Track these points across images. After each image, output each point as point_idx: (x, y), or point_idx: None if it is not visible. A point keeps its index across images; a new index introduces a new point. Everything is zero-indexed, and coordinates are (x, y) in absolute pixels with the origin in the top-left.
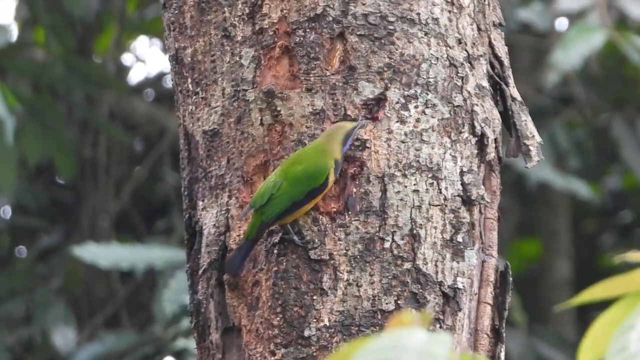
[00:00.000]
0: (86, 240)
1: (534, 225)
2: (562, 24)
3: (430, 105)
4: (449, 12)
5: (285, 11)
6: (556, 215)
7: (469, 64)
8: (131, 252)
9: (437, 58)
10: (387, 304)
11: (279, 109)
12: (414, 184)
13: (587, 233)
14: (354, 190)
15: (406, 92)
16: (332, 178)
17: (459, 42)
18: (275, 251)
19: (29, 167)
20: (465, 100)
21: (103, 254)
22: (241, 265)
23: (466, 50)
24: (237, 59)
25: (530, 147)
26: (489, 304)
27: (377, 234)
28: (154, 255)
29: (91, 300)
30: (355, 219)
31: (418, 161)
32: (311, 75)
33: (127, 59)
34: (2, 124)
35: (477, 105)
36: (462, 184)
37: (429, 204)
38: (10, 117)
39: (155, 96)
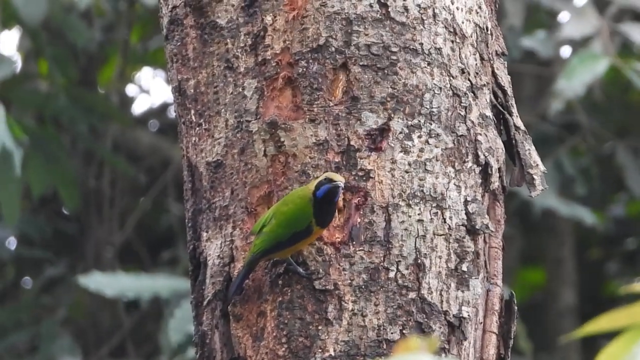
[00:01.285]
0: (91, 270)
1: (539, 253)
2: (565, 51)
3: (433, 135)
4: (452, 42)
5: (287, 42)
6: (561, 243)
7: (472, 94)
8: (136, 281)
9: (441, 88)
10: (392, 333)
11: (282, 139)
12: (418, 214)
13: (592, 261)
14: (358, 220)
15: (410, 122)
16: (315, 228)
17: (462, 71)
18: (280, 282)
19: (33, 199)
20: (468, 129)
21: (108, 283)
22: (236, 291)
23: (469, 80)
24: (240, 90)
25: (534, 176)
26: (494, 332)
27: (382, 263)
28: (159, 285)
29: (97, 331)
30: (360, 249)
31: (422, 191)
32: (314, 105)
33: (130, 90)
34: (9, 156)
35: (480, 134)
36: (467, 213)
37: (434, 234)
38: (17, 148)
39: (159, 127)
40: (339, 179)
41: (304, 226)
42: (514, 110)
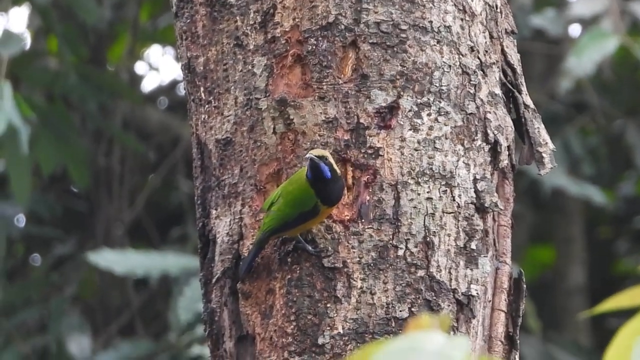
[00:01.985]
0: (100, 248)
1: (548, 231)
2: (575, 30)
3: (443, 113)
4: (461, 20)
5: (297, 20)
6: (570, 222)
7: (482, 72)
8: (146, 259)
9: (450, 66)
10: (400, 311)
11: (291, 117)
12: (427, 192)
13: (602, 239)
14: (367, 198)
15: (419, 100)
16: (322, 208)
17: (472, 49)
18: (289, 259)
19: (43, 177)
20: (478, 107)
21: (118, 260)
22: (247, 269)
23: (479, 58)
24: (250, 67)
25: (544, 154)
26: (503, 311)
27: (391, 241)
28: (168, 263)
29: (106, 309)
30: (369, 226)
31: (431, 169)
32: (324, 83)
33: (140, 67)
34: (17, 134)
35: (490, 112)
36: (476, 191)
37: (443, 212)
38: (24, 126)
39: (168, 105)
40: (316, 153)
41: (310, 206)
42: (524, 88)
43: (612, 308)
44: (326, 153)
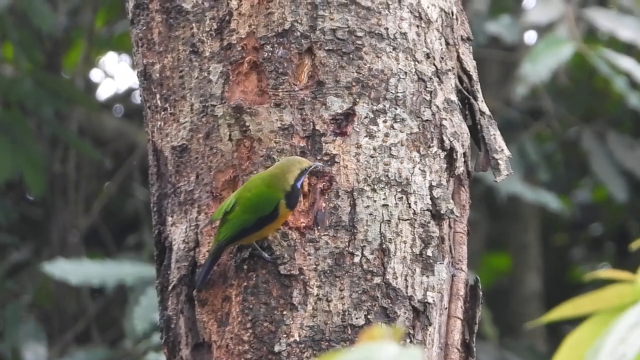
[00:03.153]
0: (56, 256)
1: (504, 238)
2: (530, 37)
3: (399, 120)
4: (417, 26)
5: (253, 27)
6: (526, 229)
7: (438, 79)
8: (101, 268)
9: (406, 73)
10: (357, 318)
11: (247, 124)
12: (383, 199)
13: (557, 246)
14: (323, 205)
15: (375, 107)
16: (282, 210)
17: (427, 56)
18: (245, 267)
19: None
20: (434, 114)
21: (73, 270)
22: (204, 280)
23: (434, 65)
24: (206, 74)
25: (499, 161)
26: (459, 318)
27: (347, 248)
28: (124, 271)
29: (62, 316)
30: (325, 233)
31: (387, 175)
32: (280, 90)
33: (96, 74)
34: None
35: (445, 119)
36: (432, 198)
37: (399, 219)
38: None
39: (124, 112)
40: (308, 163)
41: (269, 210)
42: (479, 95)
43: (564, 315)
44: (308, 162)
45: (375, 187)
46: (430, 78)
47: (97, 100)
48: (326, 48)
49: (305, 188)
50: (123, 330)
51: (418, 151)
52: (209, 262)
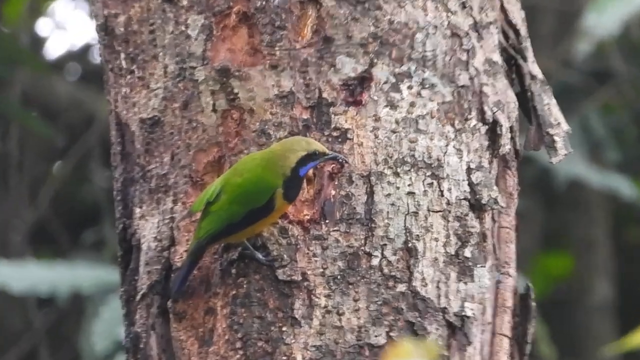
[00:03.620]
0: None
1: (564, 234)
2: None
3: (427, 86)
4: None
5: None
6: (592, 222)
7: (476, 33)
8: (51, 271)
9: (436, 26)
10: (376, 336)
11: (236, 91)
12: (409, 185)
13: (633, 244)
14: (333, 192)
15: (397, 70)
16: (279, 202)
17: (463, 6)
18: (234, 271)
19: None
20: (472, 78)
21: (15, 275)
22: (180, 288)
23: (472, 17)
24: (183, 28)
25: (555, 137)
26: (506, 335)
27: (363, 247)
28: (80, 276)
29: (3, 333)
30: (335, 229)
31: (413, 156)
32: (276, 48)
33: (44, 27)
34: None
35: (487, 85)
36: (470, 184)
37: (428, 210)
38: None
39: (80, 75)
40: (325, 149)
41: (263, 201)
42: (530, 54)
43: None
44: (325, 149)
45: (399, 170)
46: (467, 33)
47: (45, 60)
48: None
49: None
50: (78, 351)
51: (452, 125)
52: (186, 265)
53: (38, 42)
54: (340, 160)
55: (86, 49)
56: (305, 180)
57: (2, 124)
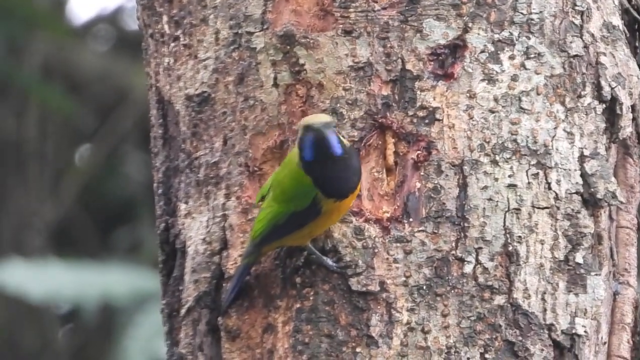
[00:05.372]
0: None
1: None
2: None
3: (533, 55)
4: None
5: None
6: None
7: None
8: (77, 278)
9: None
10: (469, 359)
11: (301, 61)
12: (509, 176)
13: None
14: (418, 185)
15: (496, 36)
16: (326, 205)
17: None
18: (298, 280)
19: None
20: (586, 47)
21: (34, 278)
22: (232, 296)
23: None
24: None
25: None
26: (624, 358)
27: (453, 252)
28: (111, 284)
29: (17, 352)
30: (420, 229)
31: (515, 140)
32: (351, 9)
33: None
34: None
35: (604, 54)
36: (583, 174)
37: (533, 206)
38: None
39: (113, 42)
40: (318, 120)
41: (306, 203)
42: None
43: None
44: (328, 118)
45: (497, 157)
46: None
47: (68, 24)
48: None
49: (391, 160)
50: None
51: (562, 103)
52: (239, 271)
53: (60, 3)
54: (321, 131)
55: (119, 11)
56: (384, 171)
57: (18, 101)
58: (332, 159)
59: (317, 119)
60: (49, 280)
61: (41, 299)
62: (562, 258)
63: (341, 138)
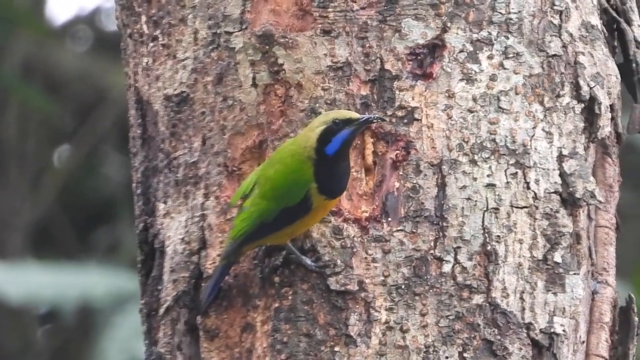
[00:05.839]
0: None
1: None
2: None
3: (511, 55)
4: None
5: None
6: None
7: None
8: (56, 279)
9: None
10: (447, 358)
11: (280, 61)
12: (488, 175)
13: None
14: (397, 185)
15: (475, 36)
16: (317, 200)
17: None
18: (277, 279)
19: None
20: (565, 46)
21: (12, 280)
22: (210, 296)
23: None
24: None
25: None
26: (603, 357)
27: (432, 251)
28: (90, 285)
29: None
30: (399, 228)
31: (494, 140)
32: (330, 10)
33: None
34: None
35: (583, 54)
36: (562, 174)
37: (511, 206)
38: None
39: (91, 42)
40: (355, 116)
41: (298, 199)
42: (635, 16)
43: None
44: (353, 115)
45: (476, 157)
46: None
47: (48, 24)
48: None
49: (369, 159)
50: None
51: (541, 103)
52: (218, 270)
53: (40, 2)
54: (373, 120)
55: (97, 11)
56: (363, 170)
57: None
58: (346, 159)
59: (353, 114)
60: (28, 282)
61: (20, 301)
62: (540, 257)
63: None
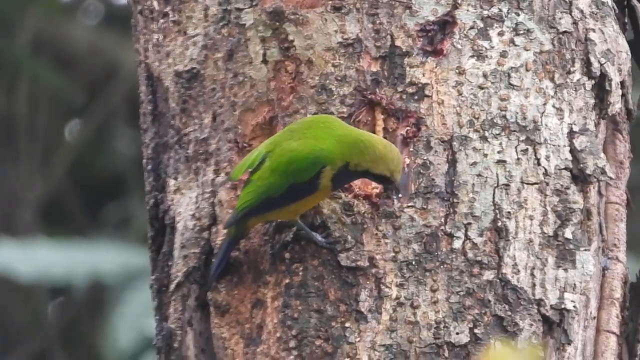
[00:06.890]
0: None
1: None
2: None
3: (522, 32)
4: None
5: None
6: None
7: None
8: (66, 255)
9: None
10: (457, 334)
11: (291, 38)
12: (499, 152)
13: None
14: (407, 161)
15: (485, 12)
16: (325, 181)
17: None
18: (287, 255)
19: None
20: (575, 23)
21: (23, 258)
22: (217, 270)
23: None
24: None
25: None
26: (613, 332)
27: (442, 227)
28: (100, 260)
29: (9, 330)
30: (409, 205)
31: (504, 116)
32: None
33: None
34: None
35: (593, 30)
36: (572, 150)
37: (522, 182)
38: None
39: (102, 17)
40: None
41: (306, 178)
42: None
43: None
44: (396, 178)
45: (486, 133)
46: None
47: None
48: None
49: (380, 136)
50: (97, 350)
51: (552, 79)
52: (225, 244)
53: None
54: (393, 191)
55: None
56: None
57: (8, 76)
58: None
59: (397, 178)
60: (38, 260)
61: (30, 279)
62: (551, 233)
63: None
